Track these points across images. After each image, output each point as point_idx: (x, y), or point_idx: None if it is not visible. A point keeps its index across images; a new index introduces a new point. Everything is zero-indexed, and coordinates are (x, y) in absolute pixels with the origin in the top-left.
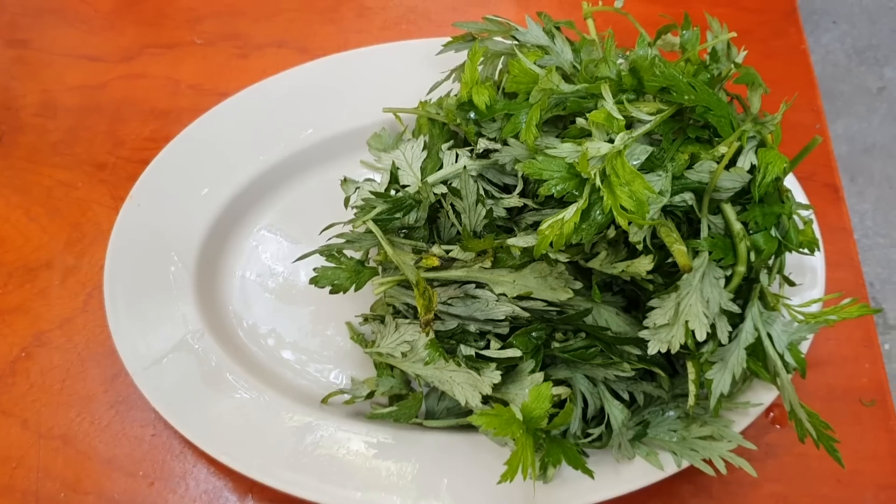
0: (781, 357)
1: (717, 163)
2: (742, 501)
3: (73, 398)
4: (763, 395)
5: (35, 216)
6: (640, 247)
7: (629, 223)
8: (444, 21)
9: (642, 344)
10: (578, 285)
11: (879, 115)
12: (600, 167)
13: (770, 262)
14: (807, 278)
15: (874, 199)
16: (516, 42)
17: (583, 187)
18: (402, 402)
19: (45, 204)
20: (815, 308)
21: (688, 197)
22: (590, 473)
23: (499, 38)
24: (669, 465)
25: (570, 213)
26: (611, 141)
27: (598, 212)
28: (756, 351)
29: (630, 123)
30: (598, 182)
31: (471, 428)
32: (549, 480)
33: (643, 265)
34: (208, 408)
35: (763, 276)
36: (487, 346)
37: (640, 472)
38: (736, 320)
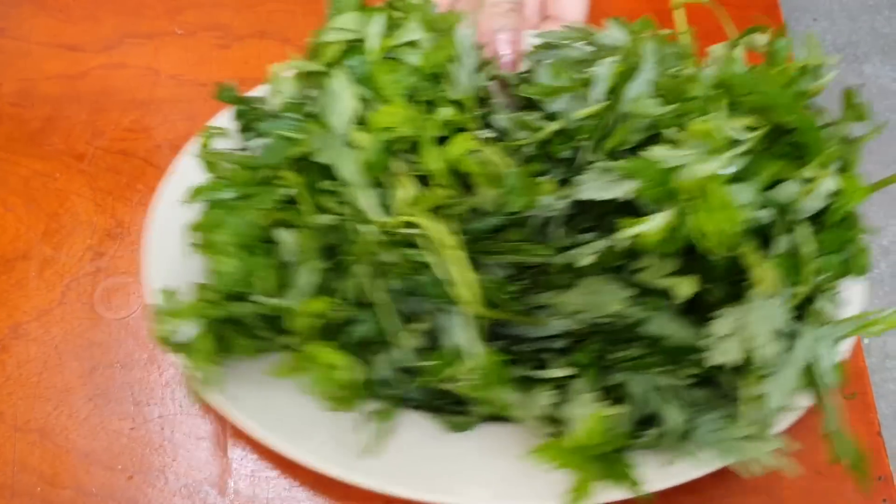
0: (825, 376)
1: (802, 184)
2: (726, 493)
3: (51, 391)
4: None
5: (11, 206)
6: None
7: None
8: None
9: (703, 352)
10: (626, 294)
11: None
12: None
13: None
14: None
15: None
16: (597, 47)
17: (671, 199)
18: None
19: (22, 194)
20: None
21: (768, 214)
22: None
23: (578, 46)
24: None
25: (657, 222)
26: (706, 155)
27: (683, 227)
28: (808, 372)
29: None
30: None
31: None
32: None
33: (684, 289)
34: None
35: (821, 299)
36: (539, 367)
37: (673, 470)
38: (787, 338)
